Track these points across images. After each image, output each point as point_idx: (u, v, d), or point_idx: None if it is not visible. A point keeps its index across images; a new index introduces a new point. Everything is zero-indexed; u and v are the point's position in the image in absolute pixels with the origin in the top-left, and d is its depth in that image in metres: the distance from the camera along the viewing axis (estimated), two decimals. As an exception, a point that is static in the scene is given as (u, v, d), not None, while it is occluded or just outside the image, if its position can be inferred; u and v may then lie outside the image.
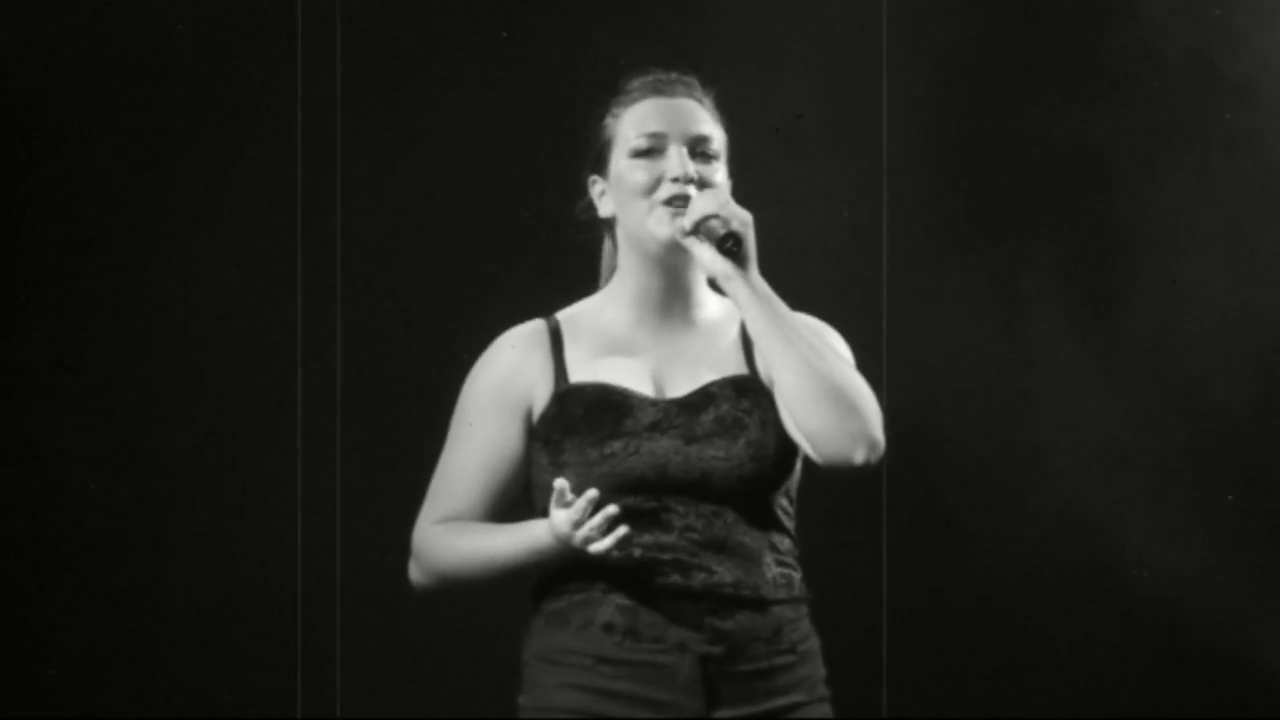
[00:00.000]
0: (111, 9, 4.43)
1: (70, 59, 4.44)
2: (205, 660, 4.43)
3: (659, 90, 3.17)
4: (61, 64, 4.43)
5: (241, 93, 4.50)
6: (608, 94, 3.20)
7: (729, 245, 2.99)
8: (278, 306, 4.48)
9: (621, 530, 2.91)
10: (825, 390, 2.98)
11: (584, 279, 3.24)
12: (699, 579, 3.00)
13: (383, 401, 4.44)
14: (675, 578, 3.00)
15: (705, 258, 3.03)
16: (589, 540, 2.91)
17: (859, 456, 2.99)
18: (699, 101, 3.17)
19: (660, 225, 3.07)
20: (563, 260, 3.30)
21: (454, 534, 3.10)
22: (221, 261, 4.47)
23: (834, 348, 3.10)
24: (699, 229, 3.02)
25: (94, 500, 4.44)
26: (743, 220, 3.01)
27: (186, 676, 4.44)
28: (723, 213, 3.00)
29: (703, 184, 3.09)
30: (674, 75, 3.20)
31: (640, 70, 3.20)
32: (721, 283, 3.03)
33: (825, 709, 3.10)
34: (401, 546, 3.17)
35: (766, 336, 3.01)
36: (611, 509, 2.91)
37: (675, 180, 3.08)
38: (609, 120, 3.18)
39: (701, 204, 3.03)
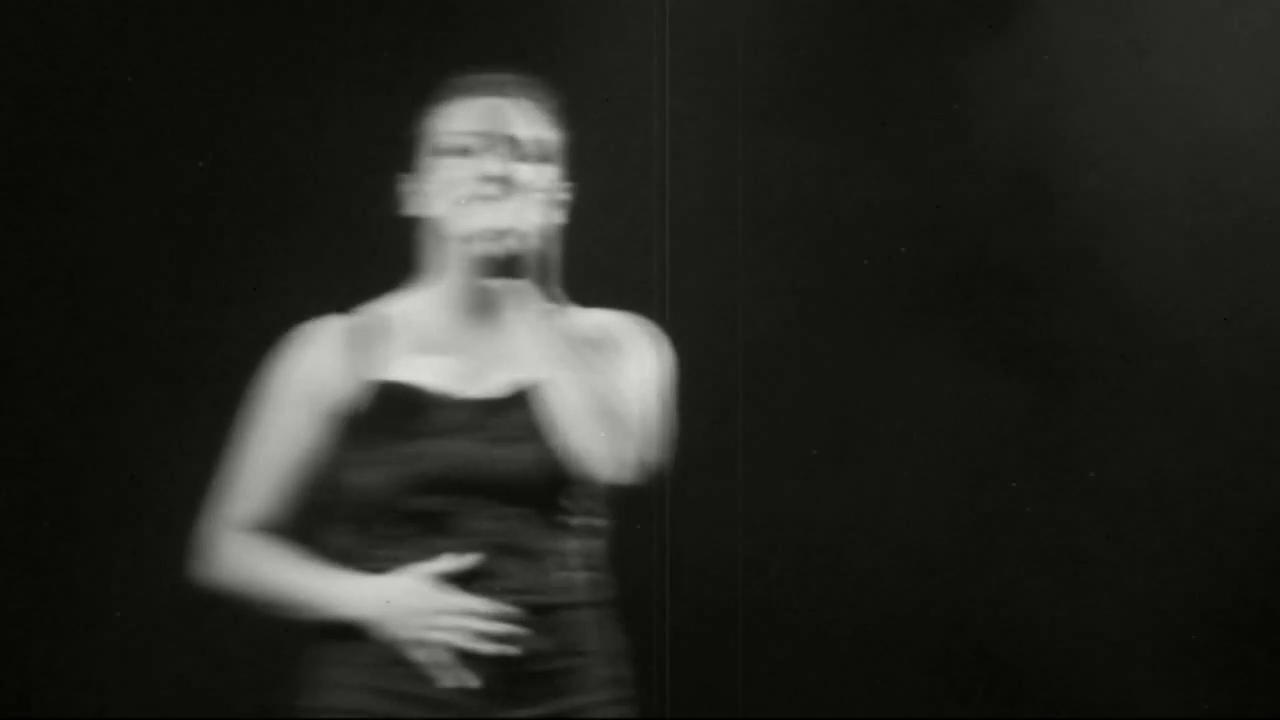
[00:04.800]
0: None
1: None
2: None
3: (479, 90, 3.16)
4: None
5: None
6: (433, 91, 3.18)
7: (494, 269, 3.00)
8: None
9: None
10: (588, 410, 2.99)
11: (398, 276, 3.22)
12: (490, 583, 2.99)
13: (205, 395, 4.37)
14: (471, 589, 2.98)
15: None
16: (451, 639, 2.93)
17: (623, 476, 3.01)
18: (523, 101, 3.16)
19: (463, 224, 3.06)
20: (377, 257, 3.27)
21: (253, 550, 3.07)
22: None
23: (622, 363, 3.10)
24: (482, 240, 3.02)
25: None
26: (525, 234, 3.01)
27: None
28: (503, 227, 3.00)
29: (512, 186, 3.07)
30: (496, 75, 3.18)
31: (466, 70, 3.19)
32: (499, 294, 3.04)
33: (618, 710, 3.10)
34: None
35: (537, 352, 3.01)
36: (518, 615, 2.96)
37: (482, 179, 3.07)
38: (430, 117, 3.17)
39: (486, 215, 3.02)
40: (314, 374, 3.09)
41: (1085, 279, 4.77)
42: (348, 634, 3.00)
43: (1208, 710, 4.73)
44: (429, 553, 2.99)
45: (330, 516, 3.09)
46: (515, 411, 3.05)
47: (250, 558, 3.06)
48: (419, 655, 2.96)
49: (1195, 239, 4.77)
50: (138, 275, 4.42)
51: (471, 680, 2.95)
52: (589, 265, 3.16)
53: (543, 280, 3.04)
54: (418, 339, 3.12)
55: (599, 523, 3.12)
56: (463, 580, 2.98)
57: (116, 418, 4.39)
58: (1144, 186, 4.76)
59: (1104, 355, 4.80)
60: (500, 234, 3.00)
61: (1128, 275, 4.77)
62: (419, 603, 2.97)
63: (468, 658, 2.96)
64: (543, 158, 3.13)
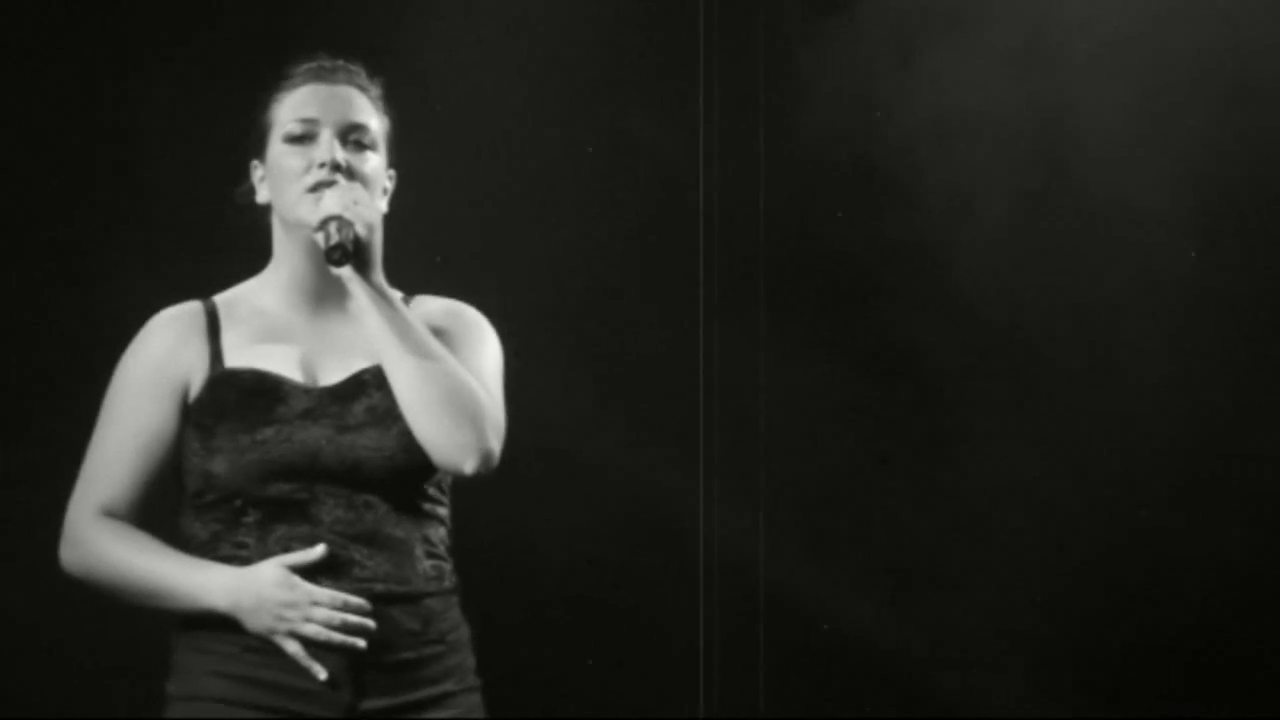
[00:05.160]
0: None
1: None
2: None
3: (319, 77, 3.16)
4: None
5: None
6: (273, 80, 3.18)
7: (335, 256, 2.99)
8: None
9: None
10: (436, 399, 2.99)
11: (250, 264, 3.21)
12: (349, 574, 2.99)
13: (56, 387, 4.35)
14: (324, 578, 2.98)
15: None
16: (303, 629, 2.94)
17: (469, 466, 3.01)
18: (360, 89, 3.17)
19: (305, 211, 3.06)
20: (227, 245, 3.26)
21: (114, 538, 3.05)
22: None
23: (469, 352, 3.11)
24: (323, 228, 3.01)
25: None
26: (367, 222, 3.01)
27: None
28: (346, 214, 3.00)
29: (351, 173, 3.08)
30: (338, 63, 3.19)
31: (305, 57, 3.19)
32: (345, 281, 3.04)
33: (475, 698, 3.11)
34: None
35: (380, 341, 3.02)
36: (367, 606, 2.96)
37: (322, 166, 3.07)
38: (270, 105, 3.17)
39: (327, 203, 3.02)
40: (165, 361, 3.08)
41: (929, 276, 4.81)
42: (209, 622, 2.99)
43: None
44: (278, 540, 2.99)
45: (179, 503, 3.09)
46: (360, 398, 3.05)
47: (108, 544, 3.04)
48: (278, 645, 2.96)
49: (1037, 232, 4.81)
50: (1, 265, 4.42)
51: (321, 672, 2.96)
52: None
53: (379, 267, 3.04)
54: (263, 326, 3.11)
55: (444, 510, 3.12)
56: (319, 569, 2.98)
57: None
58: (989, 183, 4.80)
59: (949, 352, 4.84)
60: (341, 221, 3.00)
61: (967, 271, 4.81)
62: (275, 594, 2.96)
63: (322, 648, 2.96)
64: (377, 145, 3.15)
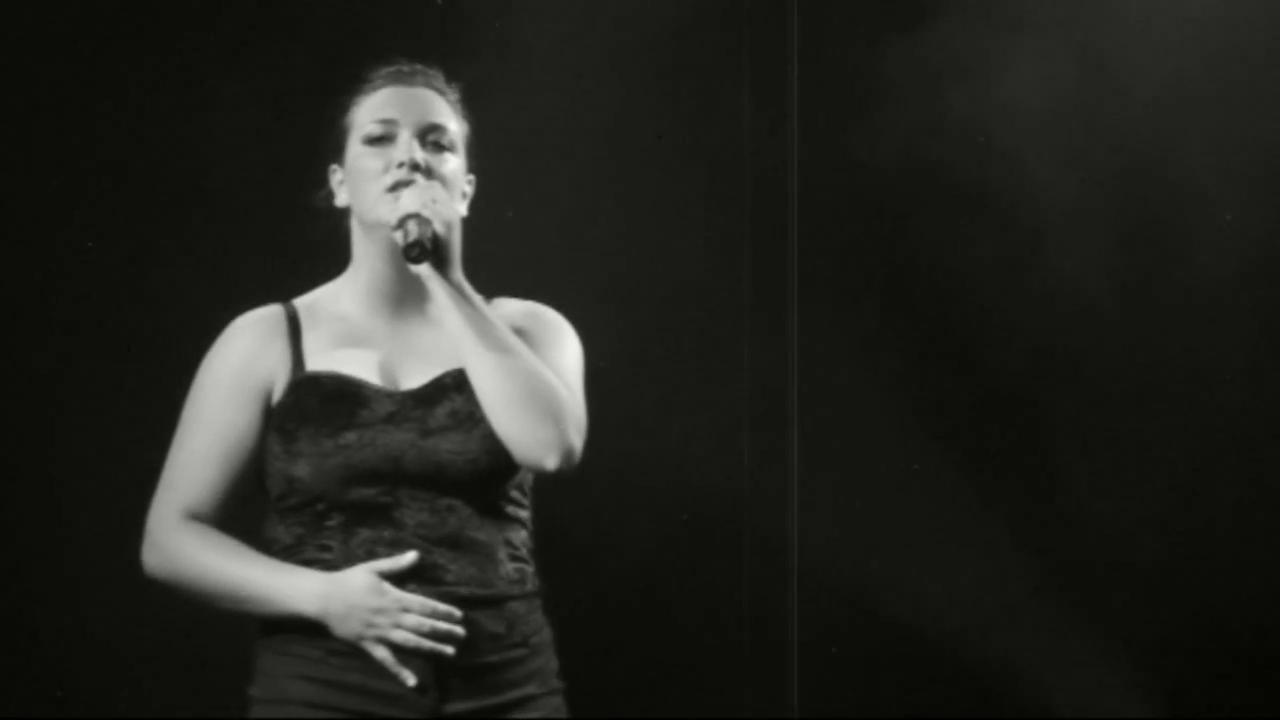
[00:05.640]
0: None
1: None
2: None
3: (397, 80, 3.17)
4: None
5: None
6: (352, 84, 3.19)
7: (414, 254, 2.99)
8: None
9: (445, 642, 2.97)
10: (517, 395, 2.99)
11: (332, 269, 3.22)
12: (433, 579, 2.99)
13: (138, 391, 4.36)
14: (409, 582, 2.98)
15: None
16: (392, 635, 2.95)
17: (551, 463, 3.00)
18: (439, 92, 3.18)
19: (384, 211, 3.06)
20: (309, 248, 3.27)
21: (200, 542, 3.05)
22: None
23: (550, 351, 3.11)
24: (402, 226, 3.01)
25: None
26: (445, 221, 3.01)
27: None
28: (424, 212, 3.00)
29: (429, 173, 3.08)
30: (416, 66, 3.19)
31: (384, 61, 3.20)
32: (424, 280, 3.04)
33: (557, 700, 3.10)
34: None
35: (461, 339, 3.02)
36: (457, 613, 2.96)
37: (400, 165, 3.07)
38: (349, 109, 3.17)
39: (406, 201, 3.02)
40: (247, 364, 3.08)
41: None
42: (292, 625, 3.00)
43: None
44: (361, 544, 2.99)
45: (263, 507, 3.09)
46: (443, 402, 3.04)
47: (194, 547, 3.04)
48: (366, 650, 2.97)
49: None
50: (84, 271, 4.40)
51: (410, 678, 2.96)
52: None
53: (458, 265, 3.04)
54: (343, 330, 3.12)
55: (526, 513, 3.12)
56: (404, 574, 2.97)
57: (63, 411, 4.37)
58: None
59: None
60: (420, 219, 3.00)
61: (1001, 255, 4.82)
62: (365, 600, 2.96)
63: (408, 653, 2.96)
64: (456, 147, 3.15)
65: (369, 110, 3.14)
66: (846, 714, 4.78)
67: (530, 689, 3.06)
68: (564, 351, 3.15)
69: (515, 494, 3.09)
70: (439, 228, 3.00)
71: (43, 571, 4.34)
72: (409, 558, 2.98)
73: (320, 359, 3.09)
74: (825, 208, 4.82)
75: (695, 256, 4.77)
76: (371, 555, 2.99)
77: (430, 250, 2.99)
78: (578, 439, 3.04)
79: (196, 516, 3.07)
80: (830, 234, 4.84)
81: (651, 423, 4.70)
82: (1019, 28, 4.77)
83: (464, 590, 3.00)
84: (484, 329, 3.01)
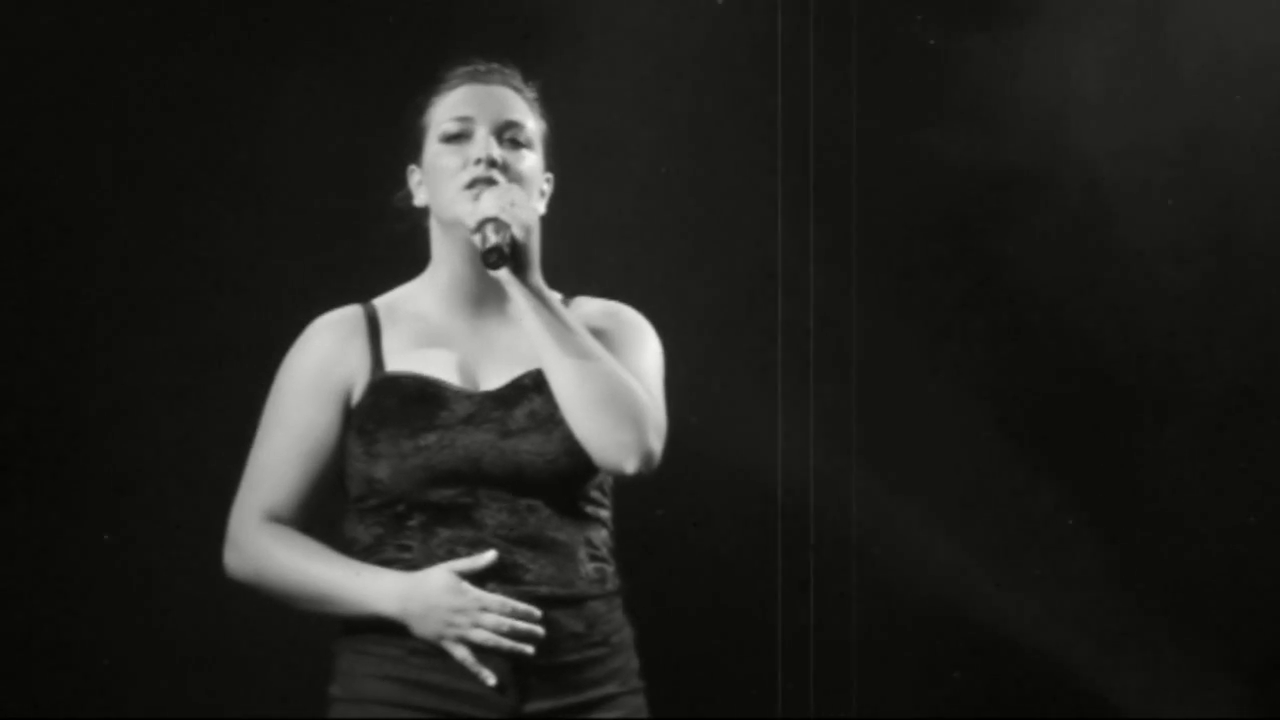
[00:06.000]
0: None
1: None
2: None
3: (474, 78, 3.17)
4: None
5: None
6: (429, 84, 3.19)
7: (492, 259, 2.97)
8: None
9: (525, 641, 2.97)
10: (596, 399, 2.98)
11: (411, 269, 3.21)
12: (513, 578, 2.99)
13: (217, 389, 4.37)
14: (489, 582, 2.98)
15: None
16: (471, 635, 2.95)
17: (630, 466, 3.00)
18: (516, 90, 3.17)
19: (461, 209, 3.05)
20: (392, 250, 3.26)
21: (281, 543, 3.06)
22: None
23: (629, 353, 3.10)
24: (480, 230, 3.01)
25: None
26: (524, 224, 3.00)
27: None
28: (503, 216, 2.99)
29: (507, 170, 3.08)
30: (493, 65, 3.19)
31: (461, 60, 3.20)
32: (503, 284, 3.03)
33: (638, 700, 3.10)
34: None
35: (539, 342, 3.01)
36: (537, 612, 2.96)
37: (478, 162, 3.07)
38: (426, 108, 3.17)
39: (484, 204, 3.01)
40: (327, 365, 3.08)
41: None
42: (373, 625, 3.00)
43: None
44: (441, 544, 2.99)
45: (342, 507, 3.09)
46: (522, 403, 3.04)
47: (275, 548, 3.05)
48: (446, 650, 2.97)
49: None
50: (162, 271, 4.42)
51: (491, 677, 2.96)
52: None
53: (537, 268, 3.03)
54: (423, 330, 3.11)
55: (606, 513, 3.11)
56: (484, 574, 2.97)
57: (145, 414, 4.39)
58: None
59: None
60: (498, 223, 2.99)
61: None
62: (445, 599, 2.96)
63: (488, 652, 2.96)
64: (534, 145, 3.14)
65: (446, 108, 3.14)
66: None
67: (610, 688, 3.05)
68: (643, 353, 3.14)
69: (595, 494, 3.09)
70: (517, 232, 2.99)
71: (125, 574, 4.36)
72: (488, 557, 2.98)
73: (400, 359, 3.09)
74: (890, 201, 4.81)
75: (767, 254, 4.76)
76: (452, 555, 3.00)
77: (508, 256, 2.98)
78: (657, 442, 3.03)
79: (277, 518, 3.07)
80: (896, 230, 4.83)
81: (725, 422, 4.70)
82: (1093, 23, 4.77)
83: (543, 590, 3.00)
84: (562, 333, 3.01)
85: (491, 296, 3.11)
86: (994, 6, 4.79)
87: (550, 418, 3.02)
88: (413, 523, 3.02)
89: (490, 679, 2.96)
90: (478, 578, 2.98)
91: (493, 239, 2.98)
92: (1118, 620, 4.77)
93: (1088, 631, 4.76)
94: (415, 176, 3.18)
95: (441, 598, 2.96)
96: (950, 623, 4.77)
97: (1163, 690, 4.75)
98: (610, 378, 3.00)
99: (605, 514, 3.12)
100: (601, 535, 3.10)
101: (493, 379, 3.08)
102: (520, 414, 3.04)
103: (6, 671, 4.33)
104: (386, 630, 3.00)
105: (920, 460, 4.79)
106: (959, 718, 4.77)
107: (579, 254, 3.48)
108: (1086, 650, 4.75)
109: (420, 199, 3.17)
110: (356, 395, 3.08)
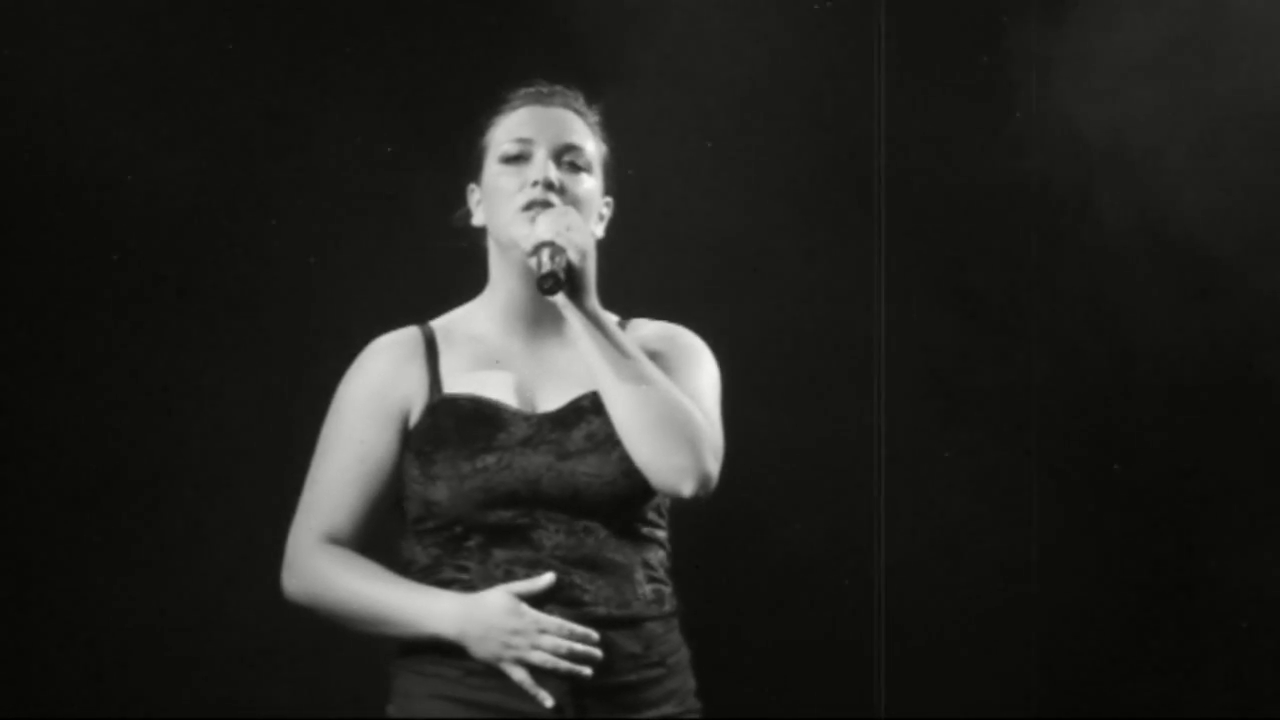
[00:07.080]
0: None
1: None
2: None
3: (535, 100, 3.17)
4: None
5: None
6: (491, 104, 3.20)
7: (547, 285, 2.97)
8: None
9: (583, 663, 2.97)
10: (652, 423, 2.98)
11: (468, 288, 3.22)
12: (571, 599, 2.99)
13: (274, 406, 4.39)
14: (547, 603, 2.98)
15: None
16: (529, 656, 2.95)
17: (686, 489, 3.00)
18: (577, 113, 3.17)
19: (518, 231, 3.06)
20: (447, 268, 3.28)
21: (338, 565, 3.06)
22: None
23: (686, 375, 3.10)
24: (536, 254, 3.01)
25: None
26: (580, 249, 3.00)
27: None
28: (559, 240, 2.99)
29: (564, 193, 3.08)
30: (555, 87, 3.19)
31: (523, 82, 3.20)
32: (559, 308, 3.04)
33: (694, 722, 3.10)
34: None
35: (595, 366, 3.01)
36: (594, 634, 2.97)
37: (535, 185, 3.08)
38: (487, 129, 3.18)
39: (540, 228, 3.01)
40: (384, 386, 3.09)
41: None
42: (430, 646, 3.01)
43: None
44: (499, 565, 3.00)
45: (400, 529, 3.10)
46: (580, 425, 3.04)
47: (333, 571, 3.05)
48: (504, 671, 2.97)
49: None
50: (214, 293, 4.45)
51: (548, 699, 2.96)
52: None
53: (593, 292, 3.04)
54: (480, 351, 3.12)
55: (663, 534, 3.11)
56: (542, 595, 2.97)
57: (203, 435, 4.41)
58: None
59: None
60: (554, 248, 2.99)
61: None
62: (503, 621, 2.96)
63: (545, 674, 2.96)
64: (593, 168, 3.15)
65: (506, 129, 3.15)
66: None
67: (667, 709, 3.05)
68: (700, 375, 3.13)
69: (653, 515, 3.09)
70: (573, 256, 3.00)
71: (183, 595, 4.37)
72: (546, 579, 2.98)
73: (457, 381, 3.09)
74: (958, 216, 4.81)
75: (826, 276, 4.76)
76: (510, 576, 3.00)
77: (564, 281, 2.98)
78: (714, 465, 3.03)
79: (335, 539, 3.08)
80: (962, 244, 4.83)
81: (784, 440, 4.70)
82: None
83: (601, 611, 3.00)
84: (618, 357, 3.01)
85: (548, 317, 3.12)
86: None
87: (608, 439, 3.03)
88: (470, 544, 3.02)
89: (548, 700, 2.96)
90: (535, 599, 2.98)
91: (547, 264, 2.98)
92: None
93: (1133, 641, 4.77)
94: (474, 196, 3.18)
95: (499, 619, 2.96)
96: (1018, 648, 4.76)
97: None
98: (666, 401, 3.00)
99: (662, 535, 3.11)
100: (659, 556, 3.10)
101: (550, 400, 3.08)
102: (578, 436, 3.04)
103: (24, 673, 4.37)
104: (444, 651, 3.00)
105: (968, 475, 4.79)
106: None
107: (636, 274, 3.48)
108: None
109: (478, 219, 3.18)
110: (414, 417, 3.08)
